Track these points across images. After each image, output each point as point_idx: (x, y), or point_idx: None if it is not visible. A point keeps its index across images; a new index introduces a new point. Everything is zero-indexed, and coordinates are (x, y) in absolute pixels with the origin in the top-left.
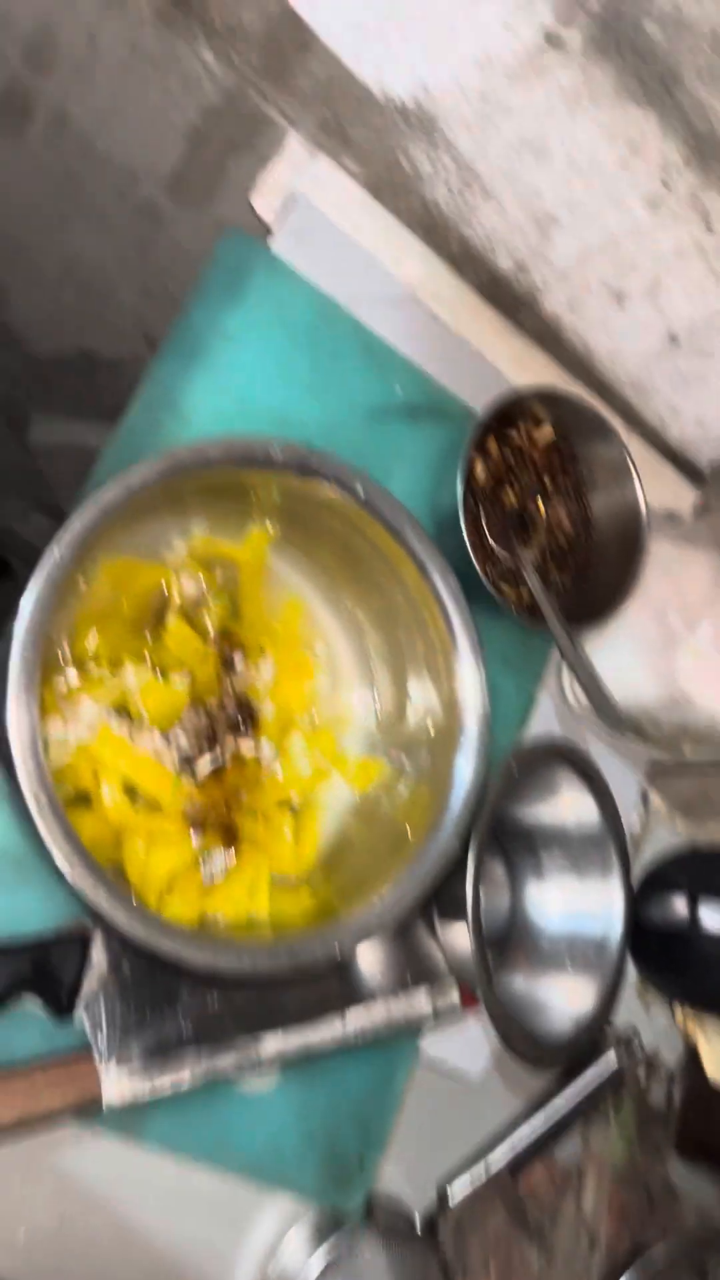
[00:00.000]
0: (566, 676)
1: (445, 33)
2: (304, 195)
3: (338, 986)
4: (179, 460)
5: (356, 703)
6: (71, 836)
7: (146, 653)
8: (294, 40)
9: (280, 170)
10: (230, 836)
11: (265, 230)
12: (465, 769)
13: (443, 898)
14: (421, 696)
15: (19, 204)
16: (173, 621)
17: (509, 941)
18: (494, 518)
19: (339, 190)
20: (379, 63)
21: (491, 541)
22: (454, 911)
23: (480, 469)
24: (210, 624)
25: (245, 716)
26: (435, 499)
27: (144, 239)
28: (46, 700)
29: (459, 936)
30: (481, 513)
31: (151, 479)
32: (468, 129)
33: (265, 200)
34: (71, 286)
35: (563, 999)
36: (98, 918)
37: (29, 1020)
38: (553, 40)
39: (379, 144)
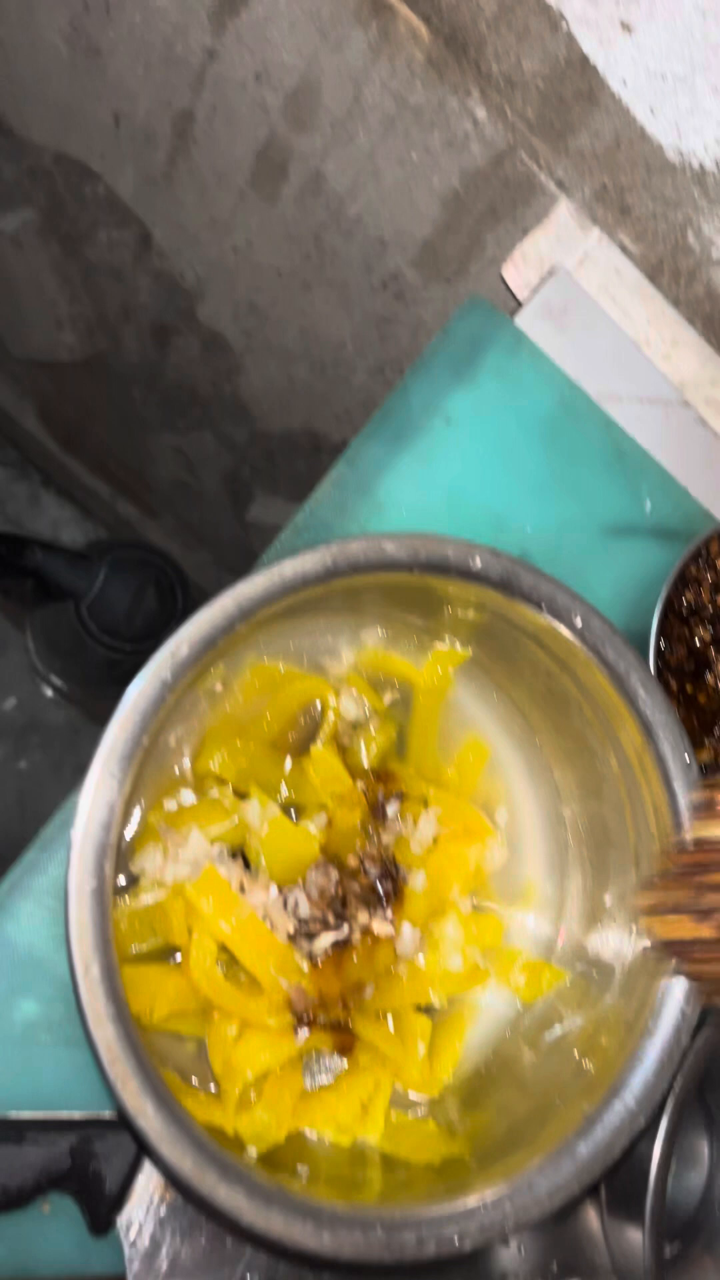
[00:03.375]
0: None
1: None
2: (566, 270)
3: (458, 1274)
4: (350, 556)
5: (538, 889)
6: (122, 1017)
7: (282, 784)
8: (579, 92)
9: (542, 241)
10: (344, 1042)
11: (513, 305)
12: (671, 1010)
13: (617, 1178)
14: (625, 901)
15: (265, 268)
16: (320, 747)
17: (699, 1234)
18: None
19: (608, 268)
20: (679, 119)
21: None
22: (629, 1202)
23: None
24: (366, 758)
25: (388, 885)
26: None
27: (385, 316)
28: (148, 824)
29: (632, 1229)
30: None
31: (312, 575)
32: None
33: (519, 272)
34: (305, 362)
35: None
36: (139, 1140)
37: (61, 1223)
38: None
39: (664, 218)
